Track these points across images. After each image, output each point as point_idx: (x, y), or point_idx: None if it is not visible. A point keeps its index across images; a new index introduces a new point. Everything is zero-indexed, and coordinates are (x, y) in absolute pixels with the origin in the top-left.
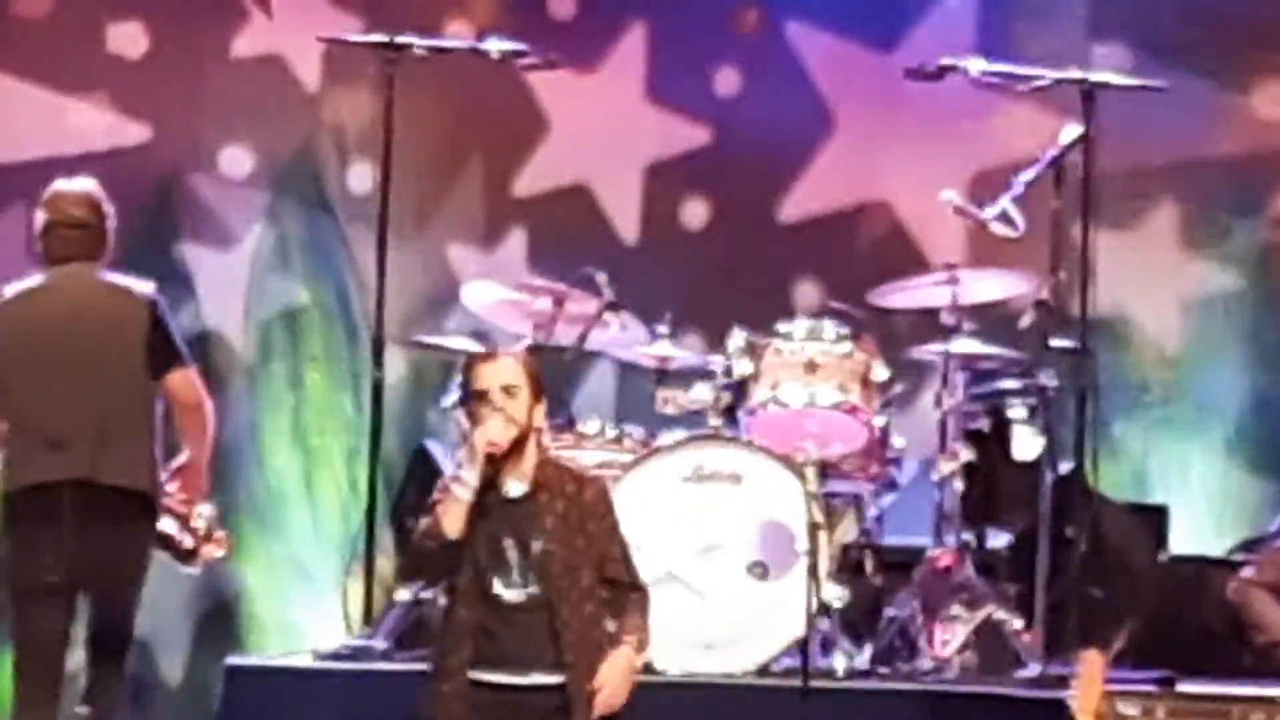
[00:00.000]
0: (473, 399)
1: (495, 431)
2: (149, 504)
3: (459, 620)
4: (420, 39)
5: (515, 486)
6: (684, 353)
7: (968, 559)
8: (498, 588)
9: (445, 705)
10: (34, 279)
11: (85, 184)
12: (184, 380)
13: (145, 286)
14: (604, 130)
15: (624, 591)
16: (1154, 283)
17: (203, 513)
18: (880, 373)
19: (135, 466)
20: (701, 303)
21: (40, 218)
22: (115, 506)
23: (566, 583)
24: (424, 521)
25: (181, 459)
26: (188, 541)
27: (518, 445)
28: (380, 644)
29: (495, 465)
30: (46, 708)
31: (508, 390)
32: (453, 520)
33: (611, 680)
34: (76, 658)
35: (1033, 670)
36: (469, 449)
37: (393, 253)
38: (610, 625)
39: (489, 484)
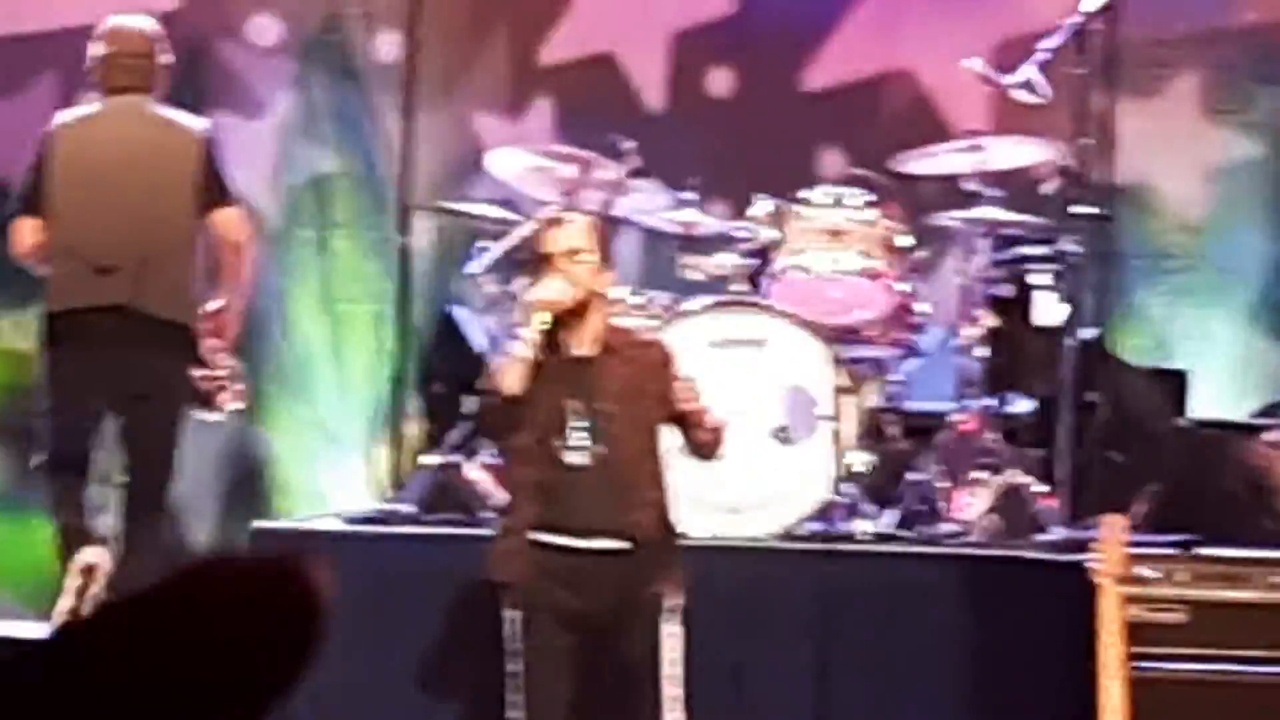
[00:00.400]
0: (540, 261)
1: (555, 291)
2: (189, 337)
3: (522, 481)
4: None
5: (580, 349)
6: (709, 219)
7: (990, 424)
8: (561, 449)
9: (509, 564)
10: (91, 106)
11: (142, 19)
12: (231, 217)
13: (201, 122)
14: None
15: None
16: (1176, 150)
17: (228, 361)
18: (904, 239)
19: (177, 298)
20: (726, 170)
21: (98, 49)
22: (155, 336)
23: (630, 444)
24: (489, 380)
25: (217, 302)
26: (208, 386)
27: (582, 308)
28: (407, 508)
29: (560, 328)
30: (79, 517)
31: (574, 254)
32: (512, 377)
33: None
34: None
35: (1054, 535)
36: (530, 307)
37: (419, 121)
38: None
39: (554, 346)
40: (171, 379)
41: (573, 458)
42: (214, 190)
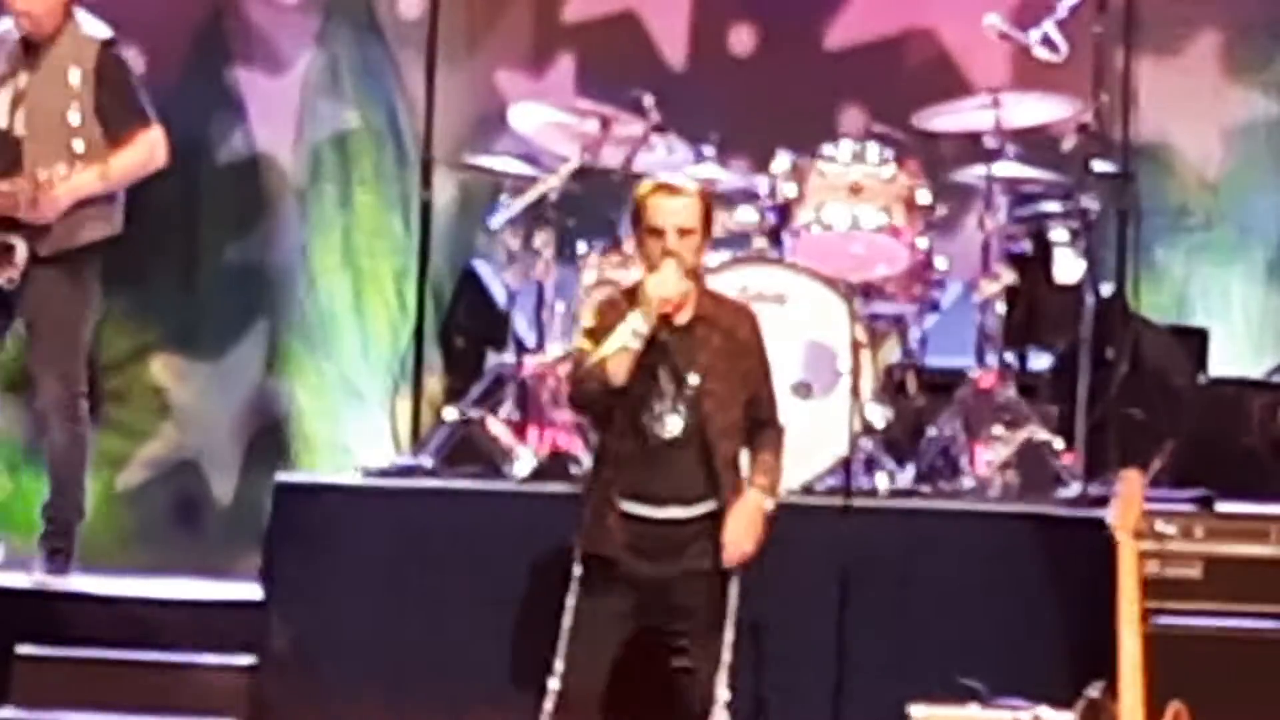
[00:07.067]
0: (644, 230)
1: (670, 286)
2: None
3: (610, 451)
4: None
5: (675, 318)
6: (729, 175)
7: (1009, 380)
8: (650, 420)
9: (600, 534)
10: None
11: None
12: None
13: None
14: None
15: (762, 427)
16: (1196, 109)
17: None
18: (924, 196)
19: None
20: (747, 127)
21: None
22: None
23: (718, 418)
24: (589, 361)
25: None
26: None
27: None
28: (428, 462)
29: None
30: None
31: (684, 232)
32: (619, 367)
33: (740, 529)
34: None
35: (1073, 490)
36: (643, 298)
37: (442, 76)
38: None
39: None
40: None
41: (661, 429)
42: None
